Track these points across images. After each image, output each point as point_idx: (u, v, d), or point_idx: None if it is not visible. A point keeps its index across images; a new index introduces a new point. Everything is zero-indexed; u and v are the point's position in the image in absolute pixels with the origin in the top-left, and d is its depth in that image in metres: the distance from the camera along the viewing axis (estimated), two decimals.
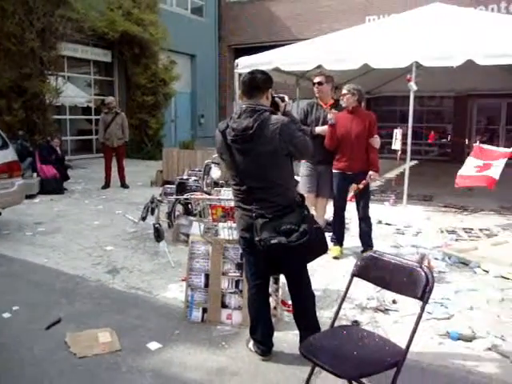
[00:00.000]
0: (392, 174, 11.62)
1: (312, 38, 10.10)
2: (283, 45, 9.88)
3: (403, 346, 3.33)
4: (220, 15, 20.03)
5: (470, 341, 3.41)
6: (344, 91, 5.08)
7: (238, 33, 19.39)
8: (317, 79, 5.20)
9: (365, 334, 2.46)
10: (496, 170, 6.75)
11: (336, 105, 5.28)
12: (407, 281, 2.29)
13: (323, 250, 3.01)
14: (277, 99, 2.98)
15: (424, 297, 2.22)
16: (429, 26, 8.33)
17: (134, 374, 2.94)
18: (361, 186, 5.04)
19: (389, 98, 16.45)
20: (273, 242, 2.72)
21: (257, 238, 2.81)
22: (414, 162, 15.19)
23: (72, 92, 14.19)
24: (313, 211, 5.44)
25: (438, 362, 3.14)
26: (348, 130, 5.00)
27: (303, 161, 5.33)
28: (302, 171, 5.38)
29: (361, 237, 5.26)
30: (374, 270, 2.46)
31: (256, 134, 2.76)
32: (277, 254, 2.80)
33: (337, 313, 2.61)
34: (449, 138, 10.85)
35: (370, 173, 5.06)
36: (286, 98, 3.02)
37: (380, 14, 16.05)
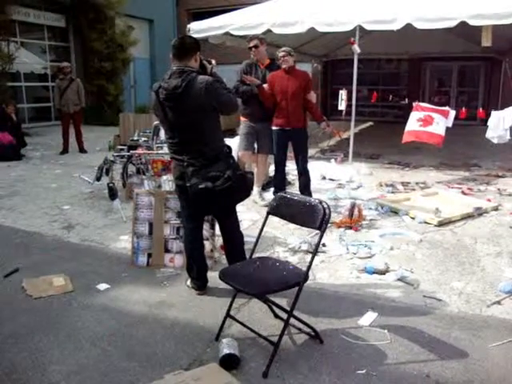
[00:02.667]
0: (345, 135, 12.09)
1: (268, 1, 10.27)
2: (241, 9, 9.99)
3: (325, 280, 3.84)
4: None
5: (384, 274, 3.91)
6: (282, 53, 5.41)
7: None
8: (252, 43, 5.53)
9: (277, 263, 2.89)
10: (439, 128, 7.25)
11: (272, 63, 5.65)
12: (309, 215, 2.69)
13: (246, 193, 3.41)
14: (204, 62, 3.31)
15: (321, 227, 2.62)
16: None
17: (84, 309, 3.33)
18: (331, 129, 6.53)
19: (345, 60, 16.76)
20: (200, 186, 3.12)
21: (187, 184, 3.20)
22: (369, 124, 15.78)
23: (27, 58, 14.01)
24: (254, 168, 5.85)
25: (353, 291, 3.62)
26: (284, 88, 5.39)
27: (243, 119, 5.68)
28: (241, 130, 5.73)
29: (300, 189, 5.68)
30: (284, 207, 2.87)
31: (184, 92, 3.07)
32: (205, 197, 3.18)
33: (255, 245, 3.03)
34: (390, 97, 11.30)
35: (322, 124, 5.81)
36: (213, 62, 3.36)
37: None
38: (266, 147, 5.70)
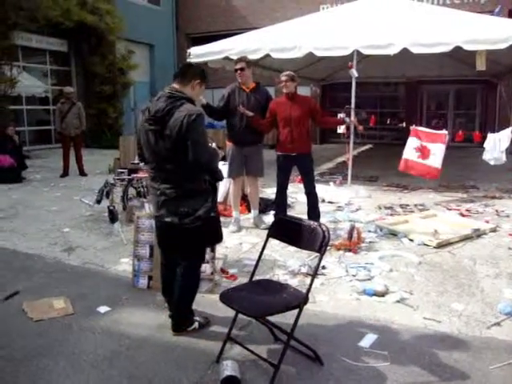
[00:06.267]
0: (344, 158, 12.19)
1: (267, 26, 10.49)
2: (240, 34, 10.18)
3: (325, 302, 3.84)
4: (177, 4, 20.19)
5: (383, 296, 3.92)
6: (284, 77, 5.37)
7: (196, 22, 19.60)
8: (238, 65, 5.43)
9: (277, 285, 2.91)
10: (436, 159, 7.35)
11: (257, 87, 5.60)
12: (309, 238, 2.73)
13: (216, 238, 3.30)
14: None
15: (321, 250, 2.66)
16: (369, 16, 8.86)
17: (85, 332, 3.33)
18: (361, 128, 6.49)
19: (344, 84, 16.99)
20: (166, 219, 3.03)
21: (156, 214, 3.13)
22: (368, 146, 15.91)
23: (28, 82, 14.18)
24: (247, 190, 5.89)
25: (352, 314, 3.62)
26: (287, 115, 5.37)
27: (229, 144, 5.66)
28: (229, 156, 5.65)
29: (308, 212, 5.61)
30: (284, 230, 2.90)
31: (164, 117, 2.93)
32: (169, 232, 3.10)
33: (255, 268, 3.05)
34: (388, 121, 11.46)
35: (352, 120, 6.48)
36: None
37: (333, 3, 16.56)
38: (256, 169, 5.66)
